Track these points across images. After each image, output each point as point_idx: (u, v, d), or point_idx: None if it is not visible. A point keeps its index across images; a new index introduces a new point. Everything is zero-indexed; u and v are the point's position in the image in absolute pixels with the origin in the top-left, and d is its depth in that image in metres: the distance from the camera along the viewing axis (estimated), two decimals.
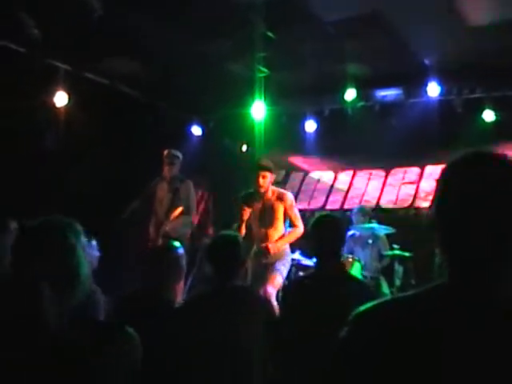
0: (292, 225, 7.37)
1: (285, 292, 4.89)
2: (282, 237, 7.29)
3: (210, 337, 3.95)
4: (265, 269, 7.14)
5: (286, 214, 7.30)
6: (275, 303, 6.97)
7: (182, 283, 4.94)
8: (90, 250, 4.87)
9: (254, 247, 7.36)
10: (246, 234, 7.39)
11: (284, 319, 4.29)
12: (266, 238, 7.24)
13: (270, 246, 7.10)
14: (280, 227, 7.31)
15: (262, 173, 7.17)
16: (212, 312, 4.05)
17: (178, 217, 8.66)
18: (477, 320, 1.46)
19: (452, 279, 1.53)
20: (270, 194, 7.29)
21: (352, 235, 9.47)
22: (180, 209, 8.65)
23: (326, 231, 4.47)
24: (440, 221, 1.57)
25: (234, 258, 4.29)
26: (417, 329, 1.48)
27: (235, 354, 3.95)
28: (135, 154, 9.92)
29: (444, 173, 1.60)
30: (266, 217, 7.26)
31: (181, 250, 4.55)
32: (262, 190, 7.21)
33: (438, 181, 1.60)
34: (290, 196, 7.42)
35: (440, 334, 1.46)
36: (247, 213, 7.38)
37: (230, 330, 3.97)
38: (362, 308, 1.58)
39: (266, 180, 7.21)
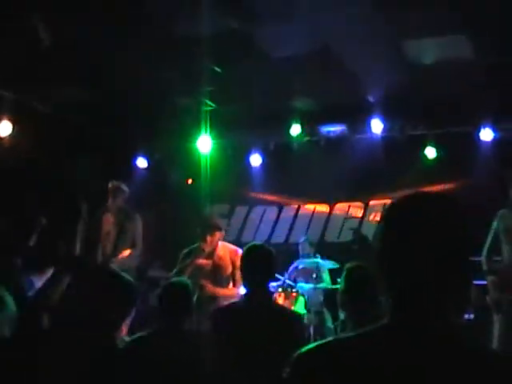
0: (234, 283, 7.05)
1: (213, 320, 4.75)
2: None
3: (155, 378, 3.91)
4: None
5: (234, 268, 6.92)
6: None
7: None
8: None
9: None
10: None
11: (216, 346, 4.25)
12: (213, 296, 6.90)
13: (209, 286, 6.87)
14: (230, 282, 7.01)
15: (211, 231, 7.00)
16: (158, 354, 4.02)
17: (125, 257, 8.56)
18: (418, 356, 1.49)
19: (393, 315, 1.57)
20: (220, 251, 7.09)
21: (295, 267, 9.51)
22: (128, 251, 8.54)
23: (255, 261, 4.47)
24: (382, 256, 1.61)
25: (185, 307, 4.31)
26: (358, 369, 1.50)
27: None
28: (79, 186, 9.79)
29: (386, 210, 1.65)
30: (217, 275, 6.97)
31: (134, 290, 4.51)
32: (208, 250, 7.04)
33: (380, 220, 1.66)
34: (239, 252, 7.22)
35: (381, 371, 1.49)
36: (192, 267, 7.07)
37: (174, 372, 3.93)
38: (304, 349, 1.60)
39: (215, 238, 7.06)
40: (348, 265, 4.42)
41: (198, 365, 3.97)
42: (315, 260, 9.15)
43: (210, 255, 7.08)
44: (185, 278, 5.58)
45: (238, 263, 6.76)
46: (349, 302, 4.28)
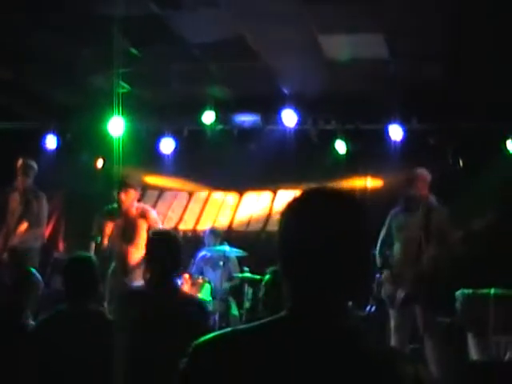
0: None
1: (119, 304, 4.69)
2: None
3: (59, 360, 3.85)
4: (123, 286, 7.02)
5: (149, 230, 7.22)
6: None
7: None
8: None
9: (113, 265, 7.24)
10: (107, 249, 7.29)
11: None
12: (126, 254, 7.15)
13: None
14: (142, 245, 7.19)
15: (125, 189, 7.11)
16: (62, 336, 3.95)
17: (25, 230, 8.37)
18: (306, 352, 1.53)
19: (289, 310, 1.60)
20: (133, 210, 7.24)
21: (203, 256, 9.54)
22: (25, 224, 8.35)
23: (163, 249, 4.43)
24: (280, 252, 1.63)
25: (90, 281, 4.21)
26: (250, 361, 1.53)
27: (82, 379, 3.86)
28: None
29: (285, 208, 1.66)
30: (128, 233, 7.18)
31: (38, 277, 4.45)
32: (124, 207, 7.14)
33: (281, 213, 1.66)
34: (153, 213, 7.49)
35: (269, 365, 1.52)
36: (109, 228, 7.27)
37: (78, 354, 3.88)
38: (201, 339, 1.61)
39: (129, 197, 7.16)
40: (273, 268, 4.44)
41: (97, 348, 3.91)
42: (222, 248, 9.18)
43: (122, 214, 7.15)
44: (89, 253, 5.49)
45: (152, 221, 7.25)
46: (271, 304, 4.33)
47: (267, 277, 4.52)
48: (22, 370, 3.81)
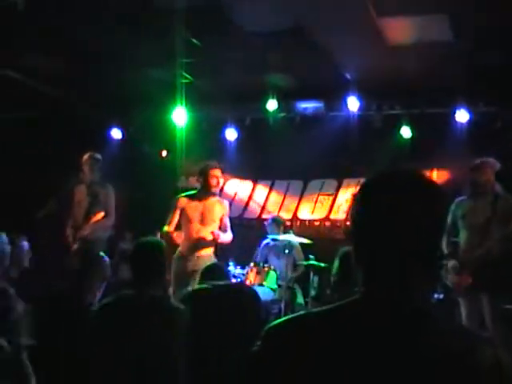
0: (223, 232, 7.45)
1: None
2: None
3: (121, 345, 3.86)
4: (188, 274, 7.11)
5: (221, 221, 7.42)
6: None
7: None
8: None
9: (178, 249, 7.34)
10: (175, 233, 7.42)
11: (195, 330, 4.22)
12: (197, 234, 7.26)
13: (215, 233, 7.20)
14: (212, 228, 7.32)
15: (219, 172, 7.35)
16: (124, 320, 3.95)
17: (95, 221, 8.50)
18: (385, 334, 1.50)
19: (363, 294, 1.58)
20: (214, 197, 7.45)
21: (266, 244, 9.52)
22: (101, 214, 8.50)
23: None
24: (354, 235, 1.61)
25: (156, 266, 4.18)
26: (326, 344, 1.51)
27: (143, 365, 3.86)
28: (54, 155, 9.71)
29: (361, 190, 1.64)
30: (206, 216, 7.31)
31: (105, 259, 4.50)
32: (216, 190, 7.38)
33: (355, 197, 1.65)
34: (227, 203, 7.68)
35: (348, 346, 1.50)
36: (180, 211, 7.36)
37: (140, 340, 3.88)
38: (275, 322, 1.61)
39: (220, 181, 7.44)
40: (343, 249, 4.41)
41: (159, 334, 3.91)
42: (287, 236, 9.13)
43: (202, 198, 7.36)
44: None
45: (227, 210, 7.48)
46: (341, 287, 4.29)
47: (337, 260, 4.47)
48: (82, 352, 3.84)
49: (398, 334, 1.51)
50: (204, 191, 7.38)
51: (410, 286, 1.56)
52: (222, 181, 7.54)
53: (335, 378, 1.48)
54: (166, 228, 7.34)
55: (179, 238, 7.34)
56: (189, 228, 7.38)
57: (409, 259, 1.54)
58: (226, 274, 4.81)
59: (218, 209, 7.42)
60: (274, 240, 9.40)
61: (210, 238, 7.28)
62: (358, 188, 1.65)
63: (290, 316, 1.62)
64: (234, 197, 11.71)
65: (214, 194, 7.40)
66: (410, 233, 1.53)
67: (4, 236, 4.91)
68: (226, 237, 7.42)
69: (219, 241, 7.34)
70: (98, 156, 8.63)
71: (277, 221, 9.66)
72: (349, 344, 1.50)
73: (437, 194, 1.61)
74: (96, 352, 3.89)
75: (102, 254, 4.65)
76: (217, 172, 7.37)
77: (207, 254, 7.31)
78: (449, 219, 6.69)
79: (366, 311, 1.55)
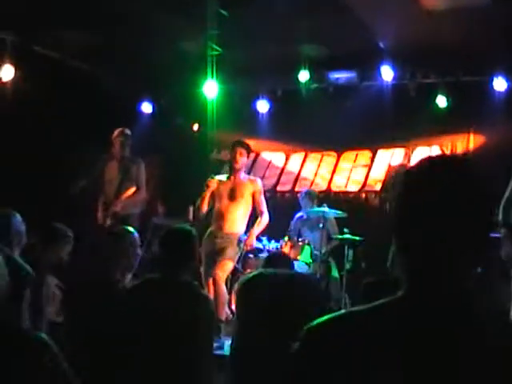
0: (258, 211, 7.51)
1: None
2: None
3: (145, 327, 3.84)
4: (217, 253, 7.18)
5: (253, 199, 7.45)
6: (224, 288, 7.03)
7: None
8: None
9: (210, 229, 7.35)
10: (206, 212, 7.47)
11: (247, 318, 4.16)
12: (227, 210, 7.28)
13: (248, 242, 7.34)
14: (244, 206, 7.38)
15: (240, 149, 7.40)
16: (150, 303, 3.93)
17: (127, 196, 8.49)
18: (428, 339, 1.43)
19: (408, 290, 1.50)
20: (242, 175, 7.47)
21: (300, 217, 9.43)
22: (133, 189, 8.48)
23: None
24: (398, 228, 1.54)
25: (185, 254, 4.18)
26: (373, 346, 1.44)
27: (168, 350, 3.82)
28: (84, 130, 9.68)
29: (404, 175, 1.58)
30: (233, 193, 7.35)
31: (135, 235, 4.47)
32: (238, 166, 7.37)
33: (397, 185, 1.59)
34: (260, 181, 7.70)
35: (396, 347, 1.43)
36: (212, 189, 7.38)
37: (164, 323, 3.84)
38: (316, 322, 1.53)
39: (243, 158, 7.42)
40: None
41: (184, 319, 3.88)
42: (321, 209, 9.02)
43: (231, 176, 7.50)
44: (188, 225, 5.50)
45: (259, 188, 7.53)
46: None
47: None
48: (107, 333, 3.83)
49: (448, 335, 1.43)
50: (231, 168, 7.47)
51: (458, 279, 1.48)
52: (244, 159, 7.49)
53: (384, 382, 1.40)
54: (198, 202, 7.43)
55: (203, 207, 7.39)
56: (218, 205, 7.40)
57: (456, 252, 1.46)
58: (290, 263, 4.75)
59: (249, 185, 7.44)
60: (307, 213, 9.30)
61: (238, 215, 7.28)
62: (398, 176, 1.56)
63: (332, 315, 1.54)
64: (267, 169, 11.60)
65: (238, 171, 7.40)
66: (457, 224, 1.46)
67: (18, 215, 4.92)
68: (261, 226, 7.51)
69: (255, 237, 7.51)
70: (128, 131, 8.60)
71: (310, 194, 9.56)
72: (397, 345, 1.43)
73: (482, 182, 1.53)
74: (122, 334, 3.88)
75: (131, 229, 4.60)
76: (240, 149, 7.39)
77: (236, 232, 7.29)
78: (509, 188, 6.44)
79: (413, 310, 1.47)
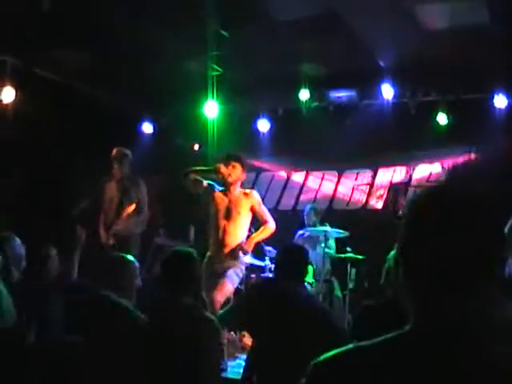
0: (262, 222, 7.24)
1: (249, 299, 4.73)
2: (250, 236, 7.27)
3: (151, 351, 3.80)
4: (215, 275, 6.95)
5: (254, 212, 7.19)
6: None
7: None
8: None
9: (208, 253, 7.17)
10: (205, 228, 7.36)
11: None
12: (225, 231, 7.08)
13: (244, 246, 7.04)
14: (242, 224, 7.13)
15: (233, 162, 7.07)
16: (155, 327, 3.90)
17: (130, 215, 8.46)
18: (448, 369, 1.38)
19: (417, 321, 1.46)
20: (236, 192, 7.15)
21: (302, 234, 9.39)
22: (132, 206, 8.46)
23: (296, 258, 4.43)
24: (406, 257, 1.50)
25: (188, 277, 4.19)
26: (380, 382, 1.40)
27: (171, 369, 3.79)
28: (84, 151, 9.67)
29: (415, 202, 1.55)
30: (230, 211, 7.09)
31: (135, 265, 4.42)
32: (231, 180, 7.06)
33: (405, 215, 1.54)
34: (256, 193, 7.36)
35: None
36: (211, 197, 7.22)
37: (167, 347, 3.81)
38: (322, 357, 1.48)
39: (236, 170, 7.09)
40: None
41: (186, 341, 3.85)
42: (323, 228, 9.00)
43: (226, 193, 7.14)
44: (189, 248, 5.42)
45: (256, 200, 7.16)
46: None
47: (391, 254, 4.34)
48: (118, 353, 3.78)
49: (461, 370, 1.39)
50: (225, 184, 7.14)
51: (468, 311, 1.44)
52: (237, 172, 7.09)
53: None
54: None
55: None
56: (215, 225, 7.19)
57: (465, 282, 1.43)
58: (305, 254, 4.73)
59: (245, 200, 7.14)
60: (309, 231, 9.28)
61: (237, 234, 7.12)
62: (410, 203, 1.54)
63: (338, 350, 1.49)
64: (268, 188, 11.59)
65: (232, 185, 7.10)
66: (466, 253, 1.42)
67: (17, 239, 4.90)
68: (264, 233, 7.22)
69: (255, 242, 7.25)
70: (126, 151, 8.58)
71: (315, 210, 9.57)
72: (406, 382, 1.38)
73: (489, 209, 1.49)
74: (129, 354, 3.83)
75: (131, 258, 4.56)
76: (232, 163, 7.07)
77: (235, 253, 7.12)
78: None
79: (422, 347, 1.42)
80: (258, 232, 7.28)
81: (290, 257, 4.56)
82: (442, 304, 1.43)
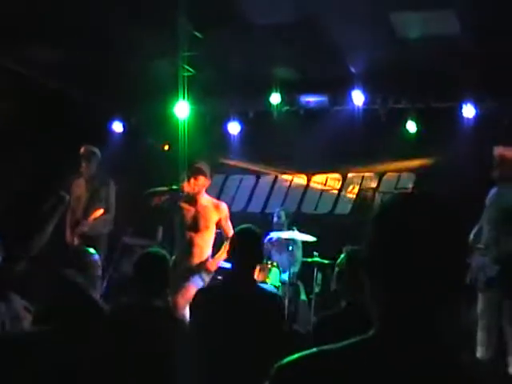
0: (226, 236, 7.16)
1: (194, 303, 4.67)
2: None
3: (121, 353, 3.77)
4: (180, 278, 6.90)
5: (219, 226, 7.17)
6: (187, 317, 6.89)
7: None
8: None
9: (173, 258, 7.15)
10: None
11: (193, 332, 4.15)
12: (192, 243, 7.05)
13: (209, 265, 7.03)
14: (209, 237, 7.12)
15: (194, 176, 7.03)
16: (126, 331, 3.87)
17: (97, 218, 8.42)
18: (410, 376, 1.41)
19: (381, 326, 1.48)
20: (203, 200, 7.12)
21: (270, 239, 9.41)
22: (101, 211, 8.41)
23: (247, 244, 4.38)
24: (372, 264, 1.52)
25: (159, 279, 4.15)
26: None
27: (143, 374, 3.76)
28: (52, 150, 9.58)
29: (379, 212, 1.56)
30: (198, 222, 7.06)
31: (96, 257, 4.39)
32: (195, 191, 7.07)
33: (371, 222, 1.56)
34: (225, 206, 7.31)
35: None
36: (177, 204, 7.17)
37: (142, 352, 3.78)
38: (286, 361, 1.50)
39: (199, 181, 7.07)
40: (349, 248, 4.35)
41: (160, 344, 3.83)
42: (291, 231, 9.04)
43: (192, 202, 7.04)
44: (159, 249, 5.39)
45: (224, 214, 7.11)
46: (343, 288, 4.25)
47: (342, 257, 4.38)
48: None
49: (424, 376, 1.41)
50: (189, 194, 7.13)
51: (432, 318, 1.46)
52: (200, 182, 7.12)
53: None
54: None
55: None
56: (181, 235, 7.17)
57: (430, 289, 1.45)
58: (259, 239, 4.66)
59: (213, 213, 7.12)
60: (277, 235, 9.30)
61: (204, 247, 7.09)
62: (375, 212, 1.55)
63: (303, 353, 1.50)
64: (237, 190, 11.60)
65: (198, 195, 7.11)
66: (431, 261, 1.45)
67: None
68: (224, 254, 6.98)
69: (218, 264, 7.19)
70: (95, 149, 8.53)
71: (285, 212, 9.58)
72: None
73: (455, 218, 1.52)
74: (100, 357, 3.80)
75: (92, 251, 4.53)
76: (193, 176, 7.09)
77: (200, 262, 7.11)
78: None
79: (385, 351, 1.44)
80: (222, 250, 7.10)
81: (245, 241, 4.48)
82: (406, 311, 1.45)
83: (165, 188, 7.33)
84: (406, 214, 1.51)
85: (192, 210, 7.09)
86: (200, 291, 4.81)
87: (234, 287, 4.30)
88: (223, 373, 3.95)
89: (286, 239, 9.19)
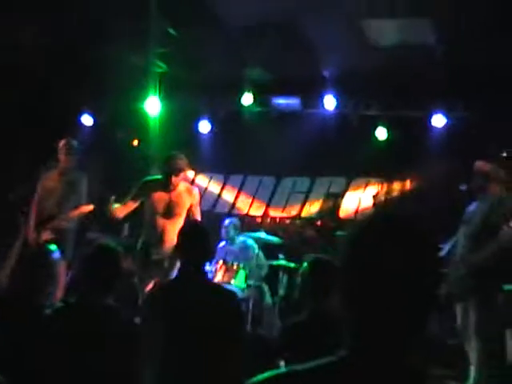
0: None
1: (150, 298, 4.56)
2: None
3: (71, 355, 3.67)
4: (153, 268, 6.94)
5: (188, 210, 7.19)
6: None
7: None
8: None
9: (140, 240, 7.13)
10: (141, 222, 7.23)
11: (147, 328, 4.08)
12: (164, 229, 7.04)
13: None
14: (179, 222, 7.02)
15: (177, 173, 7.04)
16: (75, 328, 3.74)
17: (77, 213, 8.26)
18: None
19: (352, 349, 1.47)
20: (180, 186, 7.16)
21: (223, 246, 9.22)
22: (91, 206, 8.26)
23: (193, 240, 4.34)
24: (343, 287, 1.52)
25: (111, 275, 3.91)
26: None
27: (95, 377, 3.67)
28: (23, 141, 9.46)
29: (353, 233, 1.56)
30: (171, 209, 7.08)
31: (56, 255, 4.28)
32: (172, 188, 7.06)
33: (346, 243, 1.55)
34: (197, 192, 7.42)
35: None
36: (143, 199, 7.14)
37: (91, 351, 3.68)
38: (256, 379, 1.48)
39: (178, 179, 7.10)
40: (312, 256, 4.37)
41: (107, 344, 3.73)
42: (258, 234, 8.99)
43: (168, 189, 7.11)
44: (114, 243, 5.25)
45: (196, 200, 7.21)
46: (307, 294, 4.25)
47: (305, 265, 4.38)
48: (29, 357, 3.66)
49: None
50: (168, 181, 7.09)
51: (401, 342, 1.46)
52: (179, 179, 7.13)
53: None
54: (116, 206, 7.14)
55: (121, 212, 7.17)
56: (152, 221, 7.15)
57: (399, 314, 1.45)
58: (206, 237, 4.58)
59: (187, 198, 7.17)
60: (231, 243, 9.18)
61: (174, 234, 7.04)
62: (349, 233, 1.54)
63: (273, 372, 1.49)
64: (205, 191, 11.54)
65: (177, 185, 7.11)
66: (400, 285, 1.45)
67: None
68: None
69: None
70: (75, 142, 8.34)
71: (234, 224, 9.33)
72: None
73: (427, 243, 1.52)
74: (45, 360, 3.69)
75: (52, 248, 4.43)
76: (180, 162, 7.09)
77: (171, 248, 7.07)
78: None
79: (355, 373, 1.43)
80: None
81: (194, 237, 4.43)
82: (377, 333, 1.44)
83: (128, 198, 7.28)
84: (381, 241, 1.49)
85: (166, 198, 7.08)
86: (151, 292, 4.77)
87: (186, 285, 4.22)
88: (177, 373, 3.91)
89: (238, 246, 9.10)
